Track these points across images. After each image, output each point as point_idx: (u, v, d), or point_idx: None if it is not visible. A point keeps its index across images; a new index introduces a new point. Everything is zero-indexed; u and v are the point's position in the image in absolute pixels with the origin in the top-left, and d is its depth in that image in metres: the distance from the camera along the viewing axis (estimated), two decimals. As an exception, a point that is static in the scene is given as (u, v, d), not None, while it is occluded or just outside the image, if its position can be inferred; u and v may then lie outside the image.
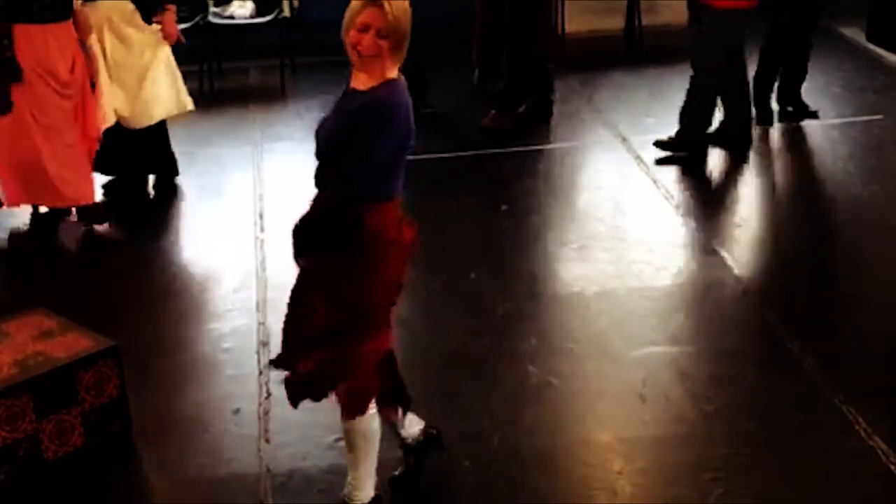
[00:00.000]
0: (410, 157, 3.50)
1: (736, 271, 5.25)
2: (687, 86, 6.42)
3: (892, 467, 3.89)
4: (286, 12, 8.10)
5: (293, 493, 3.90)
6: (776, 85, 6.85)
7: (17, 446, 3.88)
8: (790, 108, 6.90)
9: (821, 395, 4.33)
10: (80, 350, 4.08)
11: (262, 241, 5.78)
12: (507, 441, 4.00)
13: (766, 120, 6.80)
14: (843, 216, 5.79)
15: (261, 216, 6.03)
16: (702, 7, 6.24)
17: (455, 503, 3.84)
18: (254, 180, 6.43)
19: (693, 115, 6.40)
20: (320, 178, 3.56)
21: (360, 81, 3.42)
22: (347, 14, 3.34)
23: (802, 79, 6.85)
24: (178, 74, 6.22)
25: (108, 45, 5.95)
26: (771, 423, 4.17)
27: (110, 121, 5.97)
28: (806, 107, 6.89)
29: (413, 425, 3.84)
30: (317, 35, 8.04)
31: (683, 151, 6.41)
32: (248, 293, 5.25)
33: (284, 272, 5.43)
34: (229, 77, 7.91)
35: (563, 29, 7.88)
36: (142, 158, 6.30)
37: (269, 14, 7.95)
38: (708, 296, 5.12)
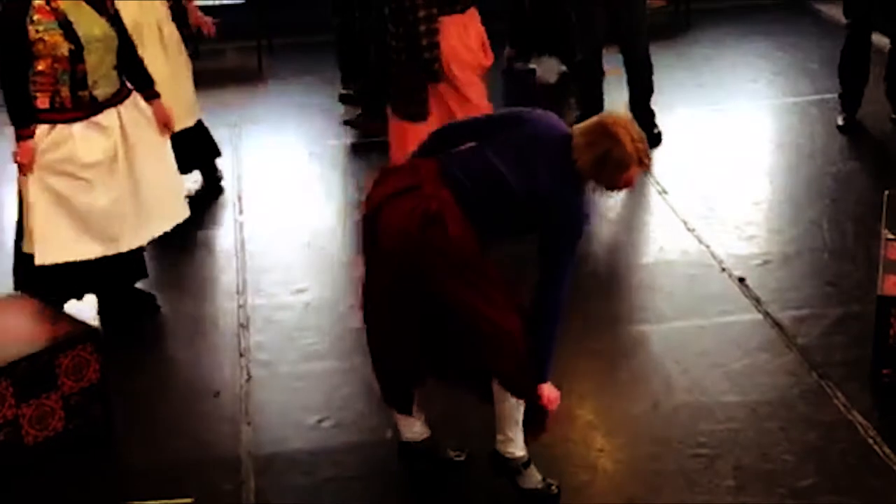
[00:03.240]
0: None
1: (716, 249, 5.26)
2: (665, 65, 6.43)
3: (870, 440, 3.92)
4: (263, -7, 8.05)
5: (275, 476, 3.90)
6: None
7: (-3, 431, 3.87)
8: None
9: (800, 369, 4.35)
10: (60, 334, 4.06)
11: (241, 223, 5.76)
12: (487, 419, 3.99)
13: None
14: (822, 193, 5.80)
15: (239, 198, 6.01)
16: None
17: (436, 481, 3.84)
18: (232, 162, 6.39)
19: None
20: None
21: None
22: (622, 172, 3.43)
23: None
24: None
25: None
26: (751, 398, 4.19)
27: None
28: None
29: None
30: (294, 16, 8.05)
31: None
32: (227, 276, 5.24)
33: (263, 255, 5.46)
34: (206, 59, 7.86)
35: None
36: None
37: (246, -5, 7.89)
38: (688, 274, 5.13)
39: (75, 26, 4.36)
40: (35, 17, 4.33)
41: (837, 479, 3.76)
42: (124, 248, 4.66)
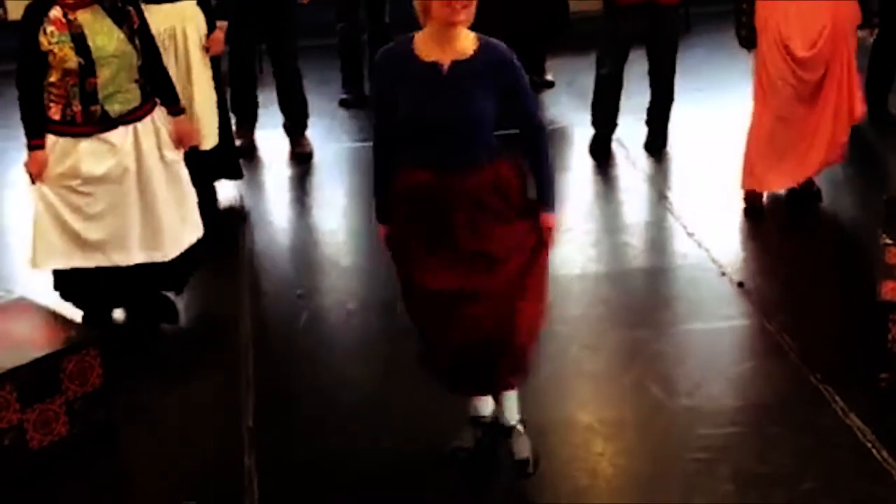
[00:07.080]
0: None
1: (715, 254, 5.29)
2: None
3: (868, 444, 3.95)
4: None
5: (278, 482, 3.92)
6: None
7: (2, 436, 3.89)
8: None
9: (798, 374, 4.38)
10: (64, 339, 4.09)
11: (243, 227, 5.77)
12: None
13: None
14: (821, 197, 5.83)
15: (241, 203, 6.03)
16: None
17: (439, 482, 3.87)
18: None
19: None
20: (467, 153, 3.49)
21: (454, 50, 3.42)
22: None
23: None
24: None
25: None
26: (750, 402, 4.22)
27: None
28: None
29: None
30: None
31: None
32: (230, 281, 5.26)
33: (266, 259, 5.48)
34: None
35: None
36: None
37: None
38: (688, 278, 5.16)
39: (89, 40, 4.26)
40: (48, 29, 4.24)
41: (835, 483, 3.79)
42: (129, 262, 4.57)
